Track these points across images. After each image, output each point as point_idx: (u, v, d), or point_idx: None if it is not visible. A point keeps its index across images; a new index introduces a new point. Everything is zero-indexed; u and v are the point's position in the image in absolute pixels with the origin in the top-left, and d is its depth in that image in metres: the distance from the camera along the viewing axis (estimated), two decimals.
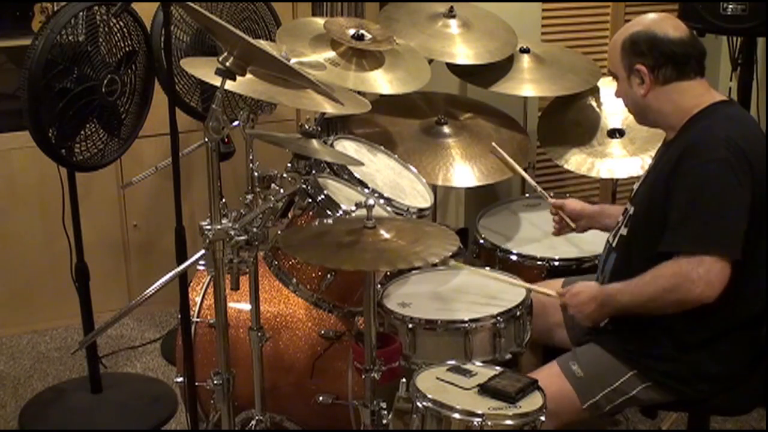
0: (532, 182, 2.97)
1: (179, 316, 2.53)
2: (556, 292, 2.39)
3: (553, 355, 2.40)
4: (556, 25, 3.89)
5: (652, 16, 2.29)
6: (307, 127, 2.31)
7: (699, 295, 2.09)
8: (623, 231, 2.34)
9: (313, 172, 2.46)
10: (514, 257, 2.86)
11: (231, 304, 2.55)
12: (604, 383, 2.26)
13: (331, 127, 3.17)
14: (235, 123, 2.44)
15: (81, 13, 2.68)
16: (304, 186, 2.39)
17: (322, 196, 2.41)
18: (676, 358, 2.23)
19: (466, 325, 2.30)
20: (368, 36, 2.97)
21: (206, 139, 2.01)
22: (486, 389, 1.98)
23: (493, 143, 3.14)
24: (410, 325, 2.33)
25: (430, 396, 1.95)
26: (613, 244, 2.38)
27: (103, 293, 3.36)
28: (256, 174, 2.28)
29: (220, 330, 2.18)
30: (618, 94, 2.36)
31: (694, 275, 2.08)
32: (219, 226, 2.04)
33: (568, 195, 3.32)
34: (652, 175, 2.31)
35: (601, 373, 2.27)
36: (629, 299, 2.20)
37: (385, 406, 2.17)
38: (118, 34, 2.81)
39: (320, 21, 3.04)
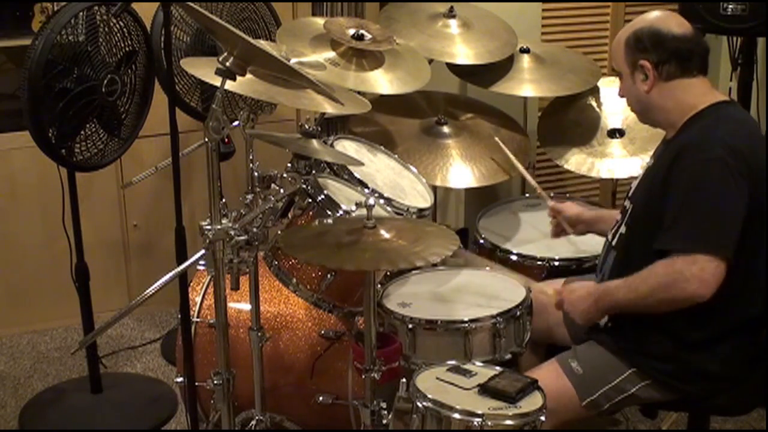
0: (533, 182, 2.96)
1: (179, 316, 2.53)
2: (554, 290, 2.39)
3: (553, 355, 2.40)
4: (556, 25, 3.89)
5: (655, 13, 2.29)
6: (307, 127, 2.31)
7: (692, 293, 2.08)
8: (622, 229, 2.34)
9: (313, 172, 2.46)
10: (514, 257, 2.86)
11: (231, 304, 2.55)
12: (603, 380, 2.26)
13: (331, 127, 3.17)
14: (235, 123, 2.44)
15: (81, 13, 2.68)
16: (304, 186, 2.39)
17: (322, 196, 2.41)
18: (676, 357, 2.23)
19: (466, 325, 2.31)
20: (368, 36, 2.97)
21: (206, 139, 2.01)
22: (486, 389, 1.98)
23: (497, 138, 3.13)
24: (410, 325, 2.33)
25: (430, 396, 1.95)
26: (612, 243, 2.38)
27: (103, 293, 3.36)
28: (256, 174, 2.28)
29: (220, 330, 2.18)
30: (621, 93, 2.35)
31: (687, 273, 2.07)
32: (219, 226, 2.04)
33: (568, 195, 3.34)
34: (650, 173, 2.31)
35: (600, 370, 2.27)
36: (624, 296, 2.20)
37: (385, 406, 2.18)
38: (118, 34, 2.81)
39: (320, 21, 3.04)
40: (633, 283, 2.17)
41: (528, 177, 3.01)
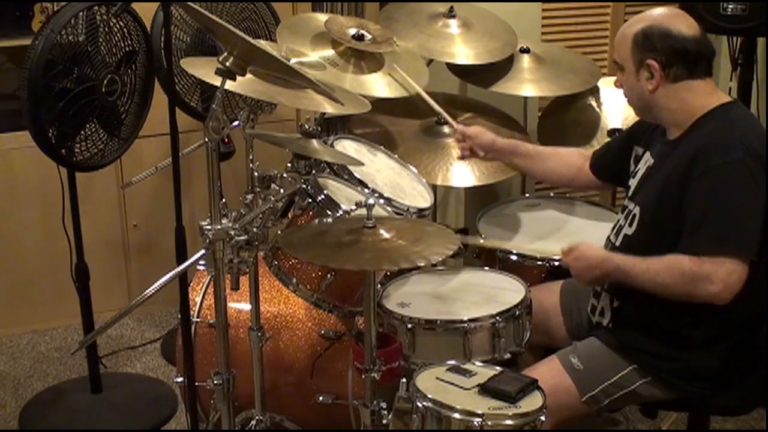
0: (436, 107, 2.95)
1: (179, 316, 2.53)
2: (561, 250, 2.36)
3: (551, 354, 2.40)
4: (556, 25, 3.89)
5: (664, 10, 2.25)
6: (307, 127, 2.31)
7: (715, 295, 2.09)
8: (627, 230, 2.33)
9: (313, 172, 2.46)
10: (514, 257, 2.86)
11: (231, 304, 2.55)
12: (603, 377, 2.26)
13: (331, 127, 3.17)
14: (235, 123, 2.44)
15: (81, 13, 2.68)
16: (304, 186, 2.39)
17: (322, 196, 2.41)
18: (676, 355, 2.23)
19: (466, 324, 2.31)
20: (368, 36, 2.96)
21: (206, 139, 2.02)
22: (486, 389, 1.98)
23: (394, 65, 3.02)
24: (409, 325, 2.33)
25: (430, 396, 1.95)
26: (616, 243, 2.37)
27: (103, 293, 3.36)
28: (256, 174, 2.28)
29: (220, 330, 2.18)
30: (619, 85, 2.33)
31: (714, 276, 2.07)
32: (219, 226, 2.04)
33: (567, 195, 3.34)
34: (659, 176, 2.28)
35: (600, 366, 2.27)
36: (637, 276, 2.18)
37: (385, 406, 2.18)
38: (118, 34, 2.81)
39: (322, 17, 3.04)
40: (654, 266, 2.15)
41: (432, 102, 2.97)
